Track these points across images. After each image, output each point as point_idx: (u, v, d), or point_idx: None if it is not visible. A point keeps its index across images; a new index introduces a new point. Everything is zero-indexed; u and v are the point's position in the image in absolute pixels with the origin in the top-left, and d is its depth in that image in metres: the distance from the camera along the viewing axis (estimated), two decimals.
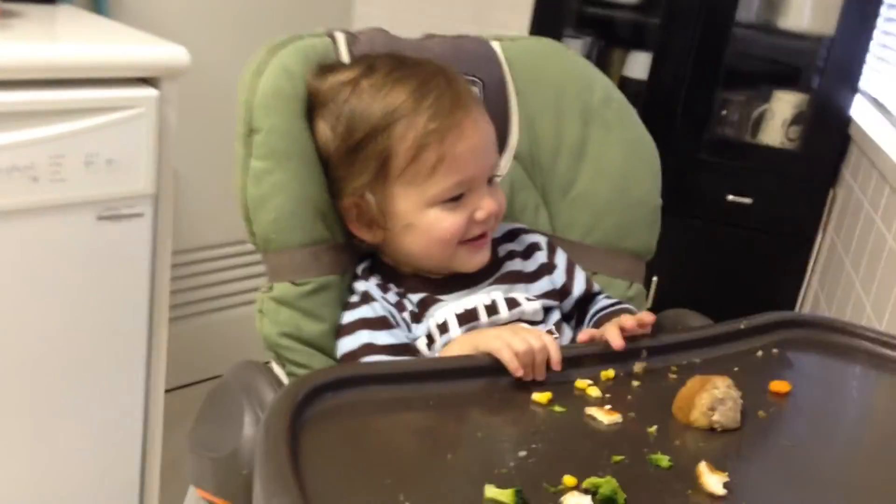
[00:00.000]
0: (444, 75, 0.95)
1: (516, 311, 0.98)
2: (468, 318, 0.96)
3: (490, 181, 0.98)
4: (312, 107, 0.97)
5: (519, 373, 0.83)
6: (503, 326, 0.93)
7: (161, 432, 1.42)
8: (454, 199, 0.95)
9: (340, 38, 1.02)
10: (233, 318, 2.00)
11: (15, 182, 1.12)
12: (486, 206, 0.96)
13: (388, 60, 0.97)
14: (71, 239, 1.21)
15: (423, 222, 0.95)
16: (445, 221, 0.95)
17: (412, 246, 0.97)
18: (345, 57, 1.01)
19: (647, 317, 0.92)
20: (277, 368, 0.95)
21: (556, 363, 0.85)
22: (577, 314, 1.06)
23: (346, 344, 0.95)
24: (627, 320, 0.91)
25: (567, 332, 1.02)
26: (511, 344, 0.84)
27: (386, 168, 0.94)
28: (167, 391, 1.42)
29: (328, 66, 0.98)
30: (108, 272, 1.27)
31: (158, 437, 1.42)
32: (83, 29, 1.34)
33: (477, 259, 0.99)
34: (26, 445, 1.25)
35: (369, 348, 0.93)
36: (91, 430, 1.31)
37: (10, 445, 1.23)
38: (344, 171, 0.96)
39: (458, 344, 0.90)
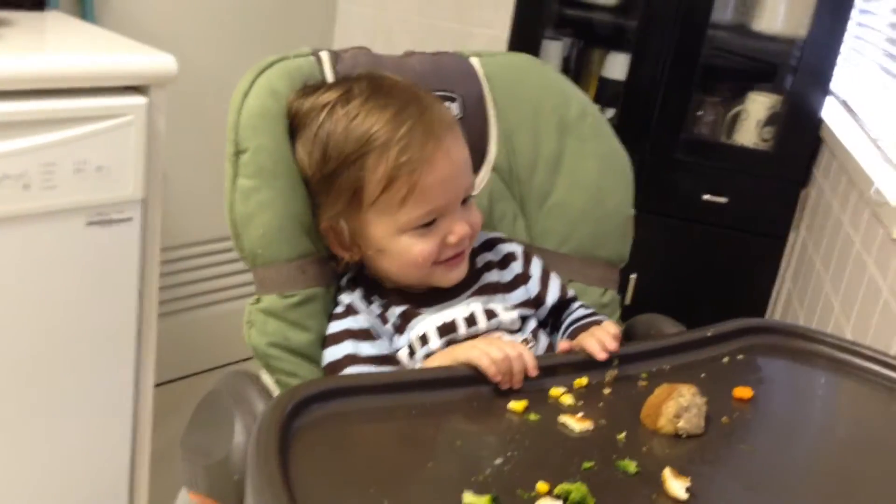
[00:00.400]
0: (419, 104, 0.97)
1: (494, 321, 1.02)
2: (447, 329, 1.00)
3: (465, 201, 1.01)
4: (293, 128, 1.00)
5: (497, 378, 0.88)
6: (481, 337, 0.98)
7: (150, 426, 1.45)
8: (426, 226, 0.98)
9: (325, 58, 1.06)
10: (220, 313, 2.03)
11: (7, 189, 1.15)
12: (457, 230, 0.99)
13: (365, 86, 0.99)
14: (61, 244, 1.24)
15: (396, 248, 0.98)
16: (416, 247, 0.98)
17: (388, 267, 1.01)
18: (329, 76, 1.05)
19: (615, 331, 0.97)
20: (266, 377, 0.99)
21: (531, 369, 0.90)
22: (551, 321, 1.11)
23: (331, 354, 0.99)
24: (609, 340, 0.95)
25: (543, 339, 1.06)
26: (489, 353, 0.88)
27: (359, 197, 0.97)
28: (156, 385, 1.46)
29: (309, 88, 1.01)
30: (98, 275, 1.30)
31: (148, 431, 1.45)
32: (72, 37, 1.37)
33: (453, 275, 1.02)
34: (18, 439, 1.28)
35: (353, 359, 0.97)
36: (82, 424, 1.35)
37: (2, 440, 1.26)
38: (320, 198, 0.99)
39: (439, 357, 0.94)
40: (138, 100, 1.25)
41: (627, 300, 2.00)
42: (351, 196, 0.97)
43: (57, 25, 1.41)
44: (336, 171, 0.97)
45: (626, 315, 1.22)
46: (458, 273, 1.03)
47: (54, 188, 1.20)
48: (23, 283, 1.22)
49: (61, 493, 1.36)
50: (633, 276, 2.01)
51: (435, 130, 0.96)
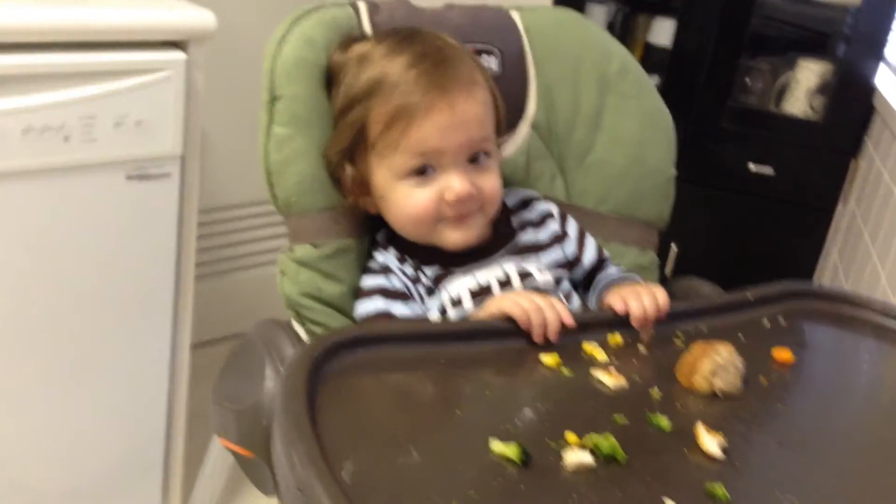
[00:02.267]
0: (438, 56, 0.96)
1: (528, 282, 1.00)
2: (481, 292, 0.99)
3: (476, 161, 0.98)
4: (329, 79, 0.99)
5: (529, 326, 0.87)
6: (514, 291, 0.96)
7: (186, 386, 1.47)
8: (422, 174, 0.96)
9: (363, 8, 1.05)
10: (257, 276, 2.05)
11: (48, 142, 1.16)
12: (455, 187, 0.95)
13: (394, 36, 0.98)
14: (100, 198, 1.25)
15: (395, 196, 0.97)
16: (413, 197, 0.96)
17: (391, 219, 1.00)
18: (367, 26, 1.04)
19: (663, 301, 0.94)
20: (298, 327, 0.99)
21: (567, 318, 0.88)
22: (585, 282, 1.09)
23: (363, 308, 0.98)
24: (652, 311, 0.93)
25: (576, 300, 1.05)
26: (520, 302, 0.87)
27: (363, 137, 0.96)
28: (192, 347, 1.47)
29: (348, 40, 1.00)
30: (136, 231, 1.30)
31: (184, 391, 1.47)
32: None
33: (456, 236, 0.98)
34: (55, 397, 1.30)
35: (385, 316, 0.96)
36: (119, 383, 1.36)
37: (41, 397, 1.28)
38: (331, 137, 0.99)
39: (472, 313, 0.93)
40: (178, 55, 1.25)
41: (668, 271, 1.97)
42: (355, 134, 0.96)
43: None
44: (344, 109, 0.97)
45: (662, 283, 1.20)
46: (463, 235, 0.99)
47: (94, 141, 1.20)
48: (62, 236, 1.23)
49: (98, 451, 1.38)
50: (674, 247, 1.98)
51: (443, 82, 0.94)
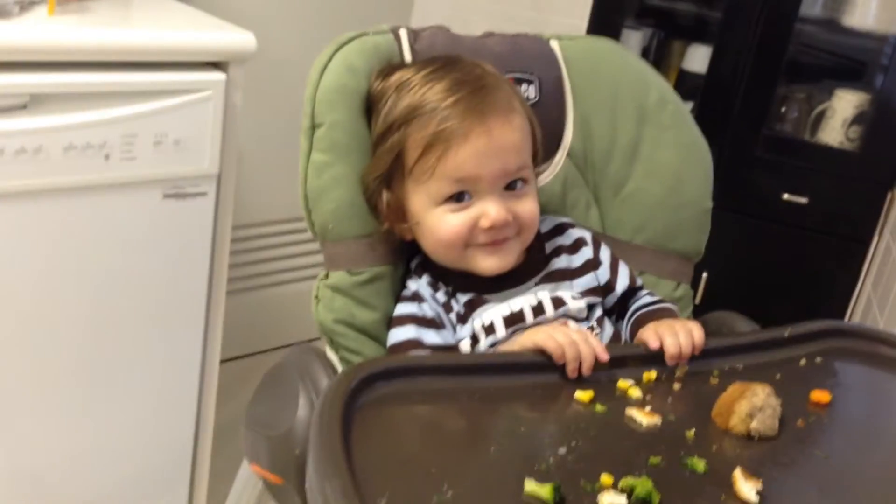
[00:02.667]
0: (477, 83, 0.96)
1: (561, 310, 1.00)
2: (514, 320, 0.98)
3: (512, 188, 0.98)
4: (370, 106, 1.00)
5: (563, 361, 0.86)
6: (548, 324, 0.96)
7: (215, 400, 1.48)
8: (458, 201, 0.96)
9: (403, 35, 1.05)
10: (289, 293, 2.06)
11: (89, 159, 1.18)
12: (491, 213, 0.95)
13: (433, 63, 0.99)
14: (137, 215, 1.26)
15: (429, 221, 0.97)
16: (447, 222, 0.96)
17: (425, 244, 1.00)
18: (407, 54, 1.04)
19: (698, 337, 0.94)
20: (330, 353, 1.00)
21: (601, 354, 0.88)
22: (618, 309, 1.08)
23: (395, 335, 0.98)
24: (687, 347, 0.92)
25: (608, 327, 1.04)
26: (555, 337, 0.87)
27: (400, 163, 0.97)
28: (222, 362, 1.48)
29: (388, 68, 1.01)
30: (171, 247, 1.32)
31: (212, 405, 1.48)
32: (156, 12, 1.39)
33: (489, 262, 0.98)
34: (86, 410, 1.31)
35: (416, 344, 0.96)
36: (149, 395, 1.37)
37: (73, 407, 1.29)
38: (370, 162, 0.99)
39: (505, 346, 0.93)
40: (217, 76, 1.27)
41: (697, 300, 1.95)
42: (393, 160, 0.97)
43: (143, 0, 1.43)
44: (383, 135, 0.97)
45: (695, 316, 1.19)
46: (497, 262, 0.98)
47: (134, 159, 1.22)
48: (99, 251, 1.24)
49: (126, 462, 1.39)
50: (705, 276, 1.96)
51: (481, 108, 0.94)
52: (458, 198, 0.96)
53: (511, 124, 0.97)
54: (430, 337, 0.98)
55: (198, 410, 1.46)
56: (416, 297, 1.00)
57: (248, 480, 1.12)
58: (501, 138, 0.96)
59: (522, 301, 1.00)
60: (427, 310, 0.99)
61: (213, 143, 1.29)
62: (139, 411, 1.37)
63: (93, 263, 1.24)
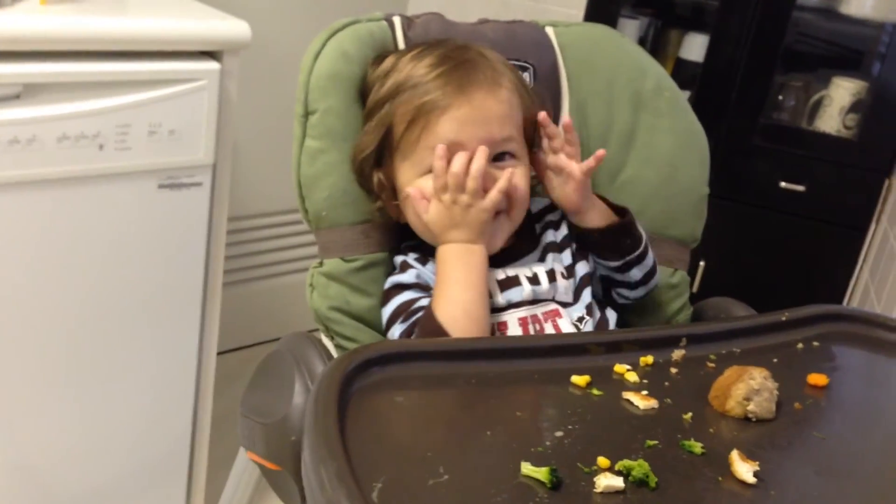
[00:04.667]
0: (460, 57, 0.97)
1: (554, 285, 1.00)
2: (510, 283, 0.98)
3: (500, 159, 0.97)
4: (364, 93, 1.00)
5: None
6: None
7: (212, 392, 1.48)
8: None
9: (397, 23, 1.05)
10: (284, 284, 2.05)
11: (83, 149, 1.17)
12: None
13: (423, 45, 0.99)
14: (132, 205, 1.26)
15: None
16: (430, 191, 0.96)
17: (413, 222, 0.99)
18: (401, 41, 1.04)
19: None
20: (326, 340, 0.99)
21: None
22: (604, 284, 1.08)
23: (389, 306, 0.98)
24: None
25: (597, 313, 1.04)
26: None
27: (388, 140, 0.97)
28: (218, 354, 1.48)
29: (382, 56, 1.01)
30: (167, 238, 1.31)
31: (209, 396, 1.48)
32: (151, 2, 1.38)
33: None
34: (84, 400, 1.31)
35: (410, 303, 0.96)
36: (146, 387, 1.37)
37: (69, 399, 1.29)
38: (357, 139, 0.99)
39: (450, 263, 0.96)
40: (212, 65, 1.26)
41: (695, 288, 1.95)
42: (381, 138, 0.97)
43: None
44: (371, 112, 0.98)
45: (692, 303, 1.19)
46: (487, 242, 0.98)
47: (128, 149, 1.21)
48: (94, 242, 1.24)
49: (124, 454, 1.39)
50: (702, 264, 1.96)
51: (462, 82, 0.95)
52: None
53: (496, 96, 0.96)
54: (423, 300, 0.97)
55: (195, 402, 1.46)
56: (404, 267, 1.00)
57: (245, 468, 1.12)
58: (484, 108, 0.95)
59: (518, 271, 1.00)
60: (412, 276, 0.99)
61: (207, 133, 1.28)
62: (136, 403, 1.37)
63: (88, 254, 1.24)
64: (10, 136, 1.10)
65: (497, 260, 1.00)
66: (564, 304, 1.00)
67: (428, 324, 0.92)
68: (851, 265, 1.94)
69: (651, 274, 1.06)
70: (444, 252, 0.95)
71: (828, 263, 1.95)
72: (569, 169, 0.97)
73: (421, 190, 0.95)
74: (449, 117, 0.94)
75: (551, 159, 0.99)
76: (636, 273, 1.04)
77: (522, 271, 1.00)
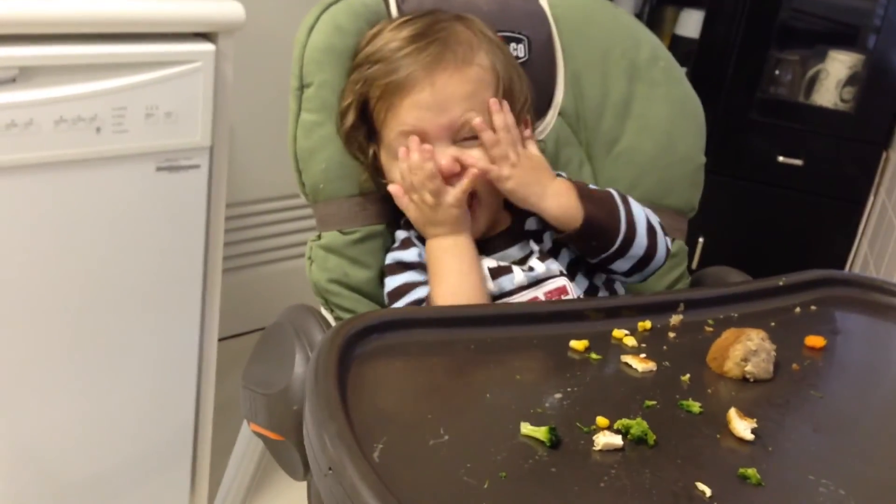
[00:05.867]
0: (435, 35, 0.96)
1: (545, 265, 0.99)
2: (501, 271, 0.98)
3: (467, 142, 0.96)
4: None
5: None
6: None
7: (214, 378, 1.48)
8: None
9: None
10: (285, 270, 2.06)
11: (80, 132, 1.17)
12: (440, 161, 0.94)
13: (412, 15, 0.99)
14: (131, 189, 1.26)
15: (392, 177, 0.98)
16: (397, 173, 0.96)
17: (399, 204, 0.99)
18: (395, 13, 1.04)
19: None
20: (326, 313, 1.00)
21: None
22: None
23: (390, 283, 0.99)
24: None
25: (582, 280, 1.03)
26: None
27: (368, 114, 0.98)
28: (220, 340, 1.48)
29: (371, 32, 1.01)
30: (166, 221, 1.31)
31: (212, 383, 1.48)
32: None
33: None
34: (86, 387, 1.31)
35: (412, 286, 0.97)
36: (148, 373, 1.37)
37: (71, 386, 1.29)
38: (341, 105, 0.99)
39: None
40: (207, 46, 1.26)
41: (694, 264, 1.96)
42: (360, 109, 0.98)
43: None
44: (350, 72, 0.99)
45: (690, 274, 1.19)
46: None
47: (125, 132, 1.22)
48: (93, 226, 1.24)
49: (127, 440, 1.39)
50: (701, 240, 1.96)
51: (429, 61, 0.94)
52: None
53: (462, 75, 0.95)
54: (422, 287, 0.98)
55: (197, 387, 1.46)
56: (404, 244, 1.01)
57: (248, 441, 1.12)
58: (446, 90, 0.95)
59: (510, 254, 1.00)
60: (414, 254, 1.00)
61: (204, 115, 1.28)
62: (139, 389, 1.37)
63: (87, 238, 1.24)
64: (7, 120, 1.10)
65: (484, 249, 1.00)
66: (549, 279, 0.99)
67: None
68: (850, 238, 1.94)
69: (643, 262, 1.01)
70: (431, 247, 0.96)
71: (827, 236, 1.96)
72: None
73: (401, 187, 0.96)
74: (410, 103, 0.94)
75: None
76: (622, 265, 1.00)
77: (509, 258, 1.00)
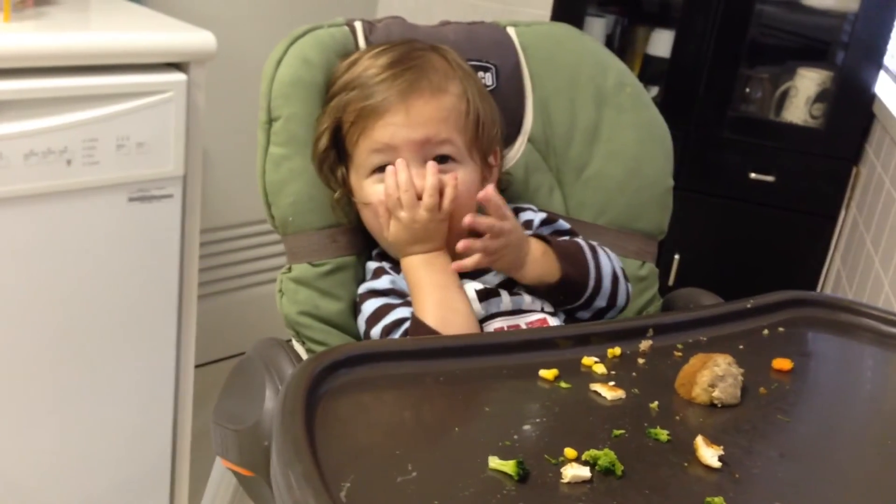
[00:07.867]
0: (410, 62, 0.98)
1: (531, 298, 1.00)
2: (488, 294, 0.99)
3: (441, 162, 0.97)
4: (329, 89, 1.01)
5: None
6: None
7: (191, 406, 1.48)
8: (381, 172, 0.97)
9: (359, 27, 1.06)
10: (259, 295, 2.05)
11: (51, 165, 1.17)
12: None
13: (390, 44, 1.01)
14: (103, 219, 1.26)
15: (360, 196, 1.00)
16: (373, 194, 0.97)
17: (369, 225, 1.01)
18: (362, 45, 1.05)
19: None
20: (297, 345, 1.00)
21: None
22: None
23: (368, 307, 0.99)
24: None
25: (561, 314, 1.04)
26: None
27: (340, 137, 0.99)
28: (196, 366, 1.48)
29: (345, 61, 1.02)
30: (140, 251, 1.31)
31: (188, 410, 1.47)
32: (115, 15, 1.39)
33: None
34: (62, 417, 1.30)
35: (390, 307, 0.97)
36: (125, 402, 1.37)
37: (48, 417, 1.29)
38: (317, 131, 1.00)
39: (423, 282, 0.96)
40: (178, 76, 1.27)
41: (671, 281, 1.97)
42: (333, 132, 0.99)
43: (100, 3, 1.43)
44: (327, 100, 1.00)
45: (662, 294, 1.20)
46: None
47: (96, 164, 1.22)
48: (66, 258, 1.24)
49: (105, 469, 1.39)
50: (677, 257, 1.98)
51: (405, 88, 0.96)
52: (381, 169, 0.97)
53: (436, 102, 0.98)
54: (400, 308, 0.98)
55: (174, 415, 1.46)
56: (378, 273, 1.01)
57: (221, 477, 1.12)
58: (421, 113, 0.96)
59: (492, 279, 1.01)
60: (390, 282, 1.00)
61: (176, 145, 1.28)
62: (116, 418, 1.37)
63: (61, 271, 1.24)
64: None
65: (470, 273, 1.00)
66: (528, 311, 1.01)
67: (419, 331, 0.93)
68: (823, 252, 1.96)
69: (604, 311, 1.04)
70: (411, 264, 0.97)
71: (800, 252, 1.98)
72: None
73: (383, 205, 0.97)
74: (384, 122, 0.96)
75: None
76: (599, 303, 1.03)
77: (488, 282, 1.01)
